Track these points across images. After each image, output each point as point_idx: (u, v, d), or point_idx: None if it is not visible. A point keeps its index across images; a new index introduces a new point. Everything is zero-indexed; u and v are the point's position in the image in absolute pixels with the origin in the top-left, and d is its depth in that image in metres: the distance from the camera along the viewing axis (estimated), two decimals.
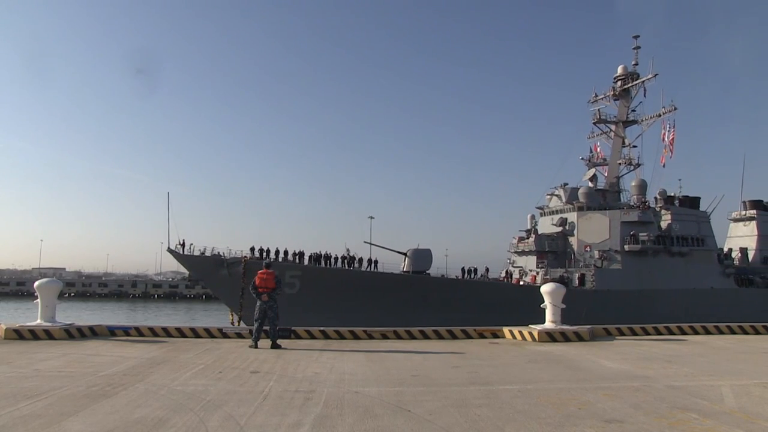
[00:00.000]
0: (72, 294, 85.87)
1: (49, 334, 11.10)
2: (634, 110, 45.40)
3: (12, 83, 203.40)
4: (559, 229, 41.19)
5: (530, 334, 12.12)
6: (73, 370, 7.75)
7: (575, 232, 40.52)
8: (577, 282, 36.27)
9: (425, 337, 12.28)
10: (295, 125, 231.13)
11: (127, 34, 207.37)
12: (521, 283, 39.01)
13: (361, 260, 35.00)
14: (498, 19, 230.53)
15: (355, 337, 12.09)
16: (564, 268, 38.40)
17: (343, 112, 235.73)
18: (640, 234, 38.59)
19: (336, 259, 34.54)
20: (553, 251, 40.69)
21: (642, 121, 45.09)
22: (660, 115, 43.75)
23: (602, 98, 46.48)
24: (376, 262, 35.44)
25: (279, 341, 10.65)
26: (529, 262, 41.49)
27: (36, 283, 11.93)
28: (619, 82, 45.76)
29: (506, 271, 41.66)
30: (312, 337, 11.90)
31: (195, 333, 12.03)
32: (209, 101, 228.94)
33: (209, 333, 12.02)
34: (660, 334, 13.16)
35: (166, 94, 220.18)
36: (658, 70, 43.54)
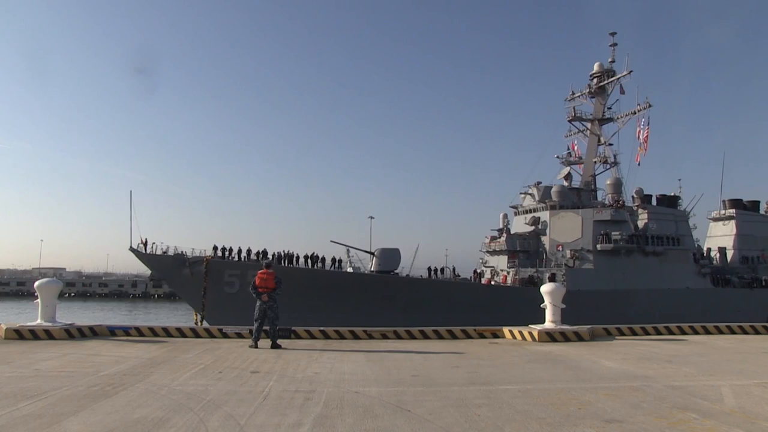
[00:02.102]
0: (72, 294, 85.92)
1: (49, 334, 11.11)
2: (610, 108, 45.16)
3: (12, 83, 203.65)
4: (532, 228, 40.73)
5: (530, 334, 12.13)
6: (73, 370, 7.75)
7: (548, 231, 40.02)
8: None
9: (425, 337, 12.29)
10: (295, 125, 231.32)
11: (127, 33, 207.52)
12: (492, 283, 38.39)
13: (324, 259, 34.61)
14: (475, 16, 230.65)
15: (355, 337, 12.11)
16: (535, 268, 37.81)
17: (342, 112, 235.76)
18: (613, 233, 38.03)
19: (298, 258, 34.32)
20: (525, 251, 40.14)
21: (618, 118, 44.84)
22: (635, 113, 43.43)
23: (579, 96, 46.25)
24: (340, 261, 35.12)
25: (279, 341, 10.66)
26: (501, 262, 40.95)
27: (36, 283, 11.94)
28: (595, 80, 45.49)
29: (474, 271, 40.76)
30: (312, 337, 11.92)
31: (195, 333, 12.05)
32: (209, 101, 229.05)
33: (209, 333, 12.04)
34: (660, 334, 13.16)
35: (166, 93, 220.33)
36: (636, 67, 43.72)
